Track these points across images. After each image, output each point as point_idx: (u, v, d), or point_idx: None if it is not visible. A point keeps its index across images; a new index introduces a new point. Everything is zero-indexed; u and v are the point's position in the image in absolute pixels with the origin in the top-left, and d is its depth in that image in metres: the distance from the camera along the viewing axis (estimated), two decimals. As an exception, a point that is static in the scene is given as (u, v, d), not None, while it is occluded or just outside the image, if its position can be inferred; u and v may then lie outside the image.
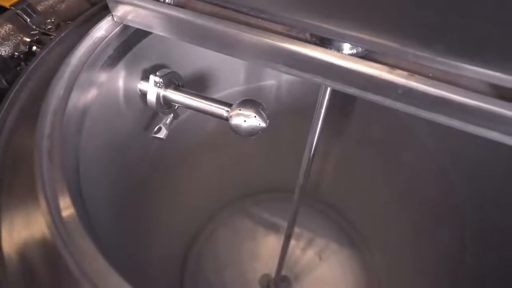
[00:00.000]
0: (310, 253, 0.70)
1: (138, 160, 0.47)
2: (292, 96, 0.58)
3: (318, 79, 0.30)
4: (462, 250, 0.47)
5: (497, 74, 0.25)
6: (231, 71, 0.53)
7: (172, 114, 0.43)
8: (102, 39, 0.34)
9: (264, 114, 0.37)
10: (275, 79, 0.56)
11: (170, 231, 0.63)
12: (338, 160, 0.67)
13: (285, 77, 0.56)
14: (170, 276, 0.67)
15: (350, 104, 0.58)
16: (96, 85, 0.34)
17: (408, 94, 0.27)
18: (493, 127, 0.26)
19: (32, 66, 0.34)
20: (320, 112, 0.39)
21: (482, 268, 0.43)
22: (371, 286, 0.66)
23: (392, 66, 0.28)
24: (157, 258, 0.60)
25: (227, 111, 0.38)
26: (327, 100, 0.38)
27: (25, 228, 0.27)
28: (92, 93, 0.33)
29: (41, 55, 0.33)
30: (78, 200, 0.30)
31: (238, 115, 0.37)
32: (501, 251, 0.42)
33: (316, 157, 0.66)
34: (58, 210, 0.27)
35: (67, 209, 0.27)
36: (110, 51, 0.34)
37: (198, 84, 0.50)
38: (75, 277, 0.24)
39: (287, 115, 0.60)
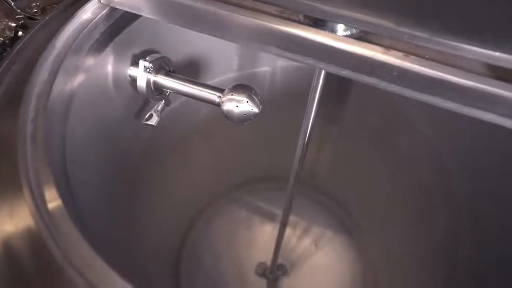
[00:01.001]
0: (306, 242, 0.70)
1: (130, 148, 0.46)
2: (287, 82, 0.57)
3: (311, 61, 0.29)
4: (458, 237, 0.47)
5: (496, 54, 0.24)
6: (224, 57, 0.52)
7: (163, 101, 0.42)
8: (88, 21, 0.33)
9: (256, 99, 0.36)
10: (269, 66, 0.55)
11: (165, 221, 0.63)
12: (334, 148, 0.67)
13: (280, 63, 0.55)
14: (165, 265, 0.67)
15: (345, 92, 0.58)
16: (83, 70, 0.33)
17: (403, 76, 0.26)
18: (489, 108, 0.25)
19: (16, 50, 0.33)
20: (314, 97, 0.38)
21: (479, 255, 0.43)
22: (366, 273, 0.66)
23: (387, 48, 0.27)
24: (152, 247, 0.60)
25: (219, 96, 0.37)
26: (321, 85, 0.37)
27: (10, 219, 0.27)
28: (79, 78, 0.32)
29: (26, 39, 0.32)
30: (65, 190, 0.30)
31: (230, 100, 0.36)
32: (498, 238, 0.42)
33: (311, 145, 0.66)
34: (43, 201, 0.26)
35: (53, 200, 0.27)
36: (96, 35, 0.33)
37: (190, 71, 0.49)
38: (61, 266, 0.24)
39: (282, 102, 0.59)
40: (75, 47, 0.31)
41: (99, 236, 0.40)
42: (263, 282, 0.66)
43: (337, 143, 0.65)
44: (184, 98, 0.52)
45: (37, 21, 0.34)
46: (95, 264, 0.24)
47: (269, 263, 0.64)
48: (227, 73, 0.54)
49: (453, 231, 0.47)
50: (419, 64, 0.26)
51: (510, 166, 0.42)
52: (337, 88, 0.57)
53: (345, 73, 0.28)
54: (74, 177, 0.32)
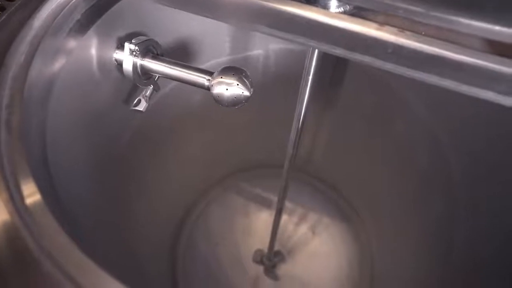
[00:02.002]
0: (303, 228, 0.70)
1: (118, 136, 0.45)
2: (281, 66, 0.55)
3: (302, 40, 0.28)
4: (455, 220, 0.46)
5: (496, 27, 0.23)
6: (215, 40, 0.51)
7: (152, 86, 0.41)
8: (68, 1, 0.31)
9: (247, 82, 0.35)
10: (262, 49, 0.54)
11: (159, 210, 0.62)
12: (329, 133, 0.65)
13: (272, 46, 0.54)
14: (161, 255, 0.66)
15: (340, 76, 0.56)
16: (63, 53, 0.31)
17: (398, 53, 0.25)
18: (488, 86, 0.24)
19: (-8, 32, 0.31)
20: (307, 79, 0.37)
21: (476, 236, 0.43)
22: (363, 257, 0.66)
23: (382, 24, 0.25)
24: (146, 238, 0.59)
25: (208, 80, 0.36)
26: (314, 67, 0.36)
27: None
28: (59, 61, 0.31)
29: (1, 20, 0.31)
30: (45, 183, 0.28)
31: (219, 83, 0.35)
32: (495, 220, 0.41)
33: (306, 131, 0.65)
34: (21, 196, 0.25)
35: (31, 195, 0.25)
36: (77, 16, 0.32)
37: (179, 55, 0.48)
38: (48, 269, 0.22)
39: (277, 86, 0.57)
40: (54, 28, 0.29)
41: (87, 229, 0.40)
42: (260, 269, 0.65)
43: (333, 128, 0.64)
44: (174, 83, 0.51)
45: (15, 1, 0.32)
46: (79, 261, 0.23)
47: (266, 250, 0.64)
48: (218, 57, 0.52)
49: (450, 214, 0.46)
50: (415, 40, 0.24)
51: (508, 147, 0.41)
52: (332, 72, 0.56)
53: (338, 51, 0.27)
54: (57, 168, 0.31)
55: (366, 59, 0.26)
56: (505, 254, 0.40)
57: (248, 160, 0.73)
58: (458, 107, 0.46)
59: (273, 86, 0.57)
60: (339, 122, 0.62)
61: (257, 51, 0.54)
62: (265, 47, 0.54)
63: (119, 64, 0.39)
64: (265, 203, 0.72)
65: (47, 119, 0.30)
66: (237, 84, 0.34)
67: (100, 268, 0.24)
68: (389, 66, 0.26)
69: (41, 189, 0.26)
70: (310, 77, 0.36)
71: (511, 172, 0.41)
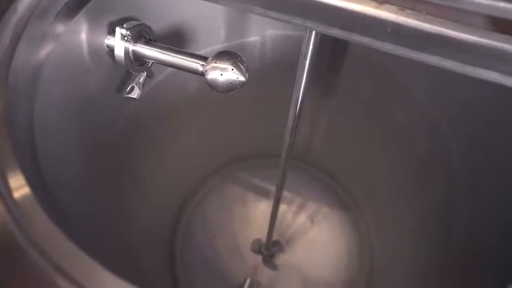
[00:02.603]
0: (302, 217, 0.69)
1: (112, 125, 0.44)
2: (278, 52, 0.54)
3: (298, 21, 0.27)
4: (454, 206, 0.46)
5: (500, 4, 0.22)
6: (210, 27, 0.50)
7: (145, 72, 0.40)
8: (54, -17, 0.30)
9: (242, 67, 0.34)
10: (259, 35, 0.53)
11: (155, 201, 0.61)
12: (327, 121, 0.65)
13: (269, 32, 0.52)
14: (159, 245, 0.66)
15: (338, 62, 0.55)
16: (51, 38, 0.30)
17: (398, 33, 0.24)
18: (492, 66, 0.23)
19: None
20: (304, 64, 0.36)
21: (475, 223, 0.42)
22: (362, 246, 0.65)
23: (381, 2, 0.24)
24: (143, 229, 0.59)
25: (202, 65, 0.35)
26: (311, 51, 0.35)
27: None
28: (46, 47, 0.30)
29: (-15, 3, 0.30)
30: (34, 175, 0.27)
31: (214, 68, 0.34)
32: (494, 205, 0.41)
33: (304, 119, 0.64)
34: (9, 190, 0.24)
35: (20, 188, 0.24)
36: (65, -1, 0.30)
37: (173, 42, 0.46)
38: (40, 265, 0.21)
39: (274, 73, 0.56)
40: (40, 12, 0.28)
41: (81, 222, 0.39)
42: (258, 259, 0.65)
43: (331, 115, 0.63)
44: (169, 70, 0.50)
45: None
46: (69, 251, 0.22)
47: (264, 239, 0.63)
48: (213, 44, 0.51)
49: (449, 200, 0.46)
50: (416, 19, 0.23)
51: (509, 133, 0.40)
52: (330, 59, 0.55)
53: (335, 32, 0.26)
54: (46, 158, 0.30)
55: (365, 40, 0.25)
56: (504, 241, 0.39)
57: (245, 149, 0.72)
58: (458, 92, 0.45)
59: (270, 73, 0.56)
60: (337, 109, 0.61)
61: (253, 38, 0.53)
62: (261, 33, 0.52)
63: (111, 50, 0.37)
64: (263, 193, 0.71)
65: (35, 108, 0.29)
66: (232, 69, 0.33)
67: (91, 257, 0.23)
68: (388, 47, 0.25)
69: (30, 181, 0.25)
70: (307, 62, 0.35)
71: (511, 158, 0.40)
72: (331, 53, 0.54)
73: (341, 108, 0.61)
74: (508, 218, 0.40)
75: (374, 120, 0.58)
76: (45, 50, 0.30)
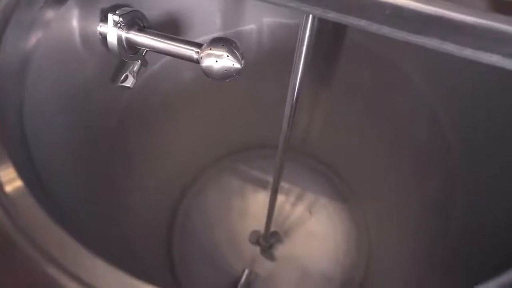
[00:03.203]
0: (300, 208, 0.69)
1: (106, 115, 0.43)
2: (275, 41, 0.53)
3: (293, 4, 0.26)
4: (453, 196, 0.45)
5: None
6: (205, 15, 0.49)
7: (139, 61, 0.39)
8: (43, -33, 0.29)
9: (238, 54, 0.33)
10: (255, 23, 0.52)
11: (152, 193, 0.61)
12: (325, 111, 0.64)
13: (266, 21, 0.52)
14: (156, 238, 0.65)
15: (337, 51, 0.54)
16: (40, 25, 0.29)
17: (396, 14, 0.23)
18: (494, 49, 0.22)
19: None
20: (301, 50, 0.35)
21: (474, 213, 0.42)
22: (361, 237, 0.65)
23: (379, -17, 0.24)
24: (141, 220, 0.58)
25: (197, 52, 0.34)
26: (308, 37, 0.34)
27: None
28: (35, 35, 0.29)
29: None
30: (26, 168, 0.27)
31: (209, 55, 0.33)
32: (493, 195, 0.40)
33: (302, 109, 0.63)
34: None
35: (11, 181, 0.24)
36: (54, -17, 0.30)
37: (167, 30, 0.45)
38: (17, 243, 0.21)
39: (271, 62, 0.56)
40: (28, -4, 0.27)
41: (77, 215, 0.38)
42: (257, 250, 0.65)
43: (329, 106, 0.63)
44: (164, 60, 0.49)
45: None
46: (59, 239, 0.22)
47: (262, 231, 0.63)
48: (209, 32, 0.50)
49: (448, 191, 0.45)
50: (415, 0, 0.23)
51: (509, 122, 0.40)
52: (328, 48, 0.54)
53: (332, 15, 0.25)
54: (39, 151, 0.29)
55: (362, 23, 0.25)
56: (504, 231, 0.39)
57: (243, 140, 0.72)
58: (459, 83, 0.44)
59: (267, 63, 0.55)
60: (336, 100, 0.60)
61: (249, 26, 0.52)
62: (258, 21, 0.51)
63: (104, 38, 0.37)
64: (261, 184, 0.71)
65: (25, 98, 0.29)
66: (227, 56, 0.33)
67: (82, 245, 0.23)
68: (386, 30, 0.24)
69: (22, 174, 0.24)
70: (304, 48, 0.35)
71: (511, 147, 0.40)
72: (330, 42, 0.53)
73: (340, 98, 0.60)
74: (508, 208, 0.39)
75: (373, 111, 0.58)
76: (34, 37, 0.29)
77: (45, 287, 0.21)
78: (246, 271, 0.59)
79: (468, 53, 0.23)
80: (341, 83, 0.58)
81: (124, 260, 0.51)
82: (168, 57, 0.49)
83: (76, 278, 0.21)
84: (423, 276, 0.50)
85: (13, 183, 0.24)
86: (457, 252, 0.43)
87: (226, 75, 0.33)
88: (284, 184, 0.70)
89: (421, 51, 0.45)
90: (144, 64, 0.40)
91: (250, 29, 0.52)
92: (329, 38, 0.53)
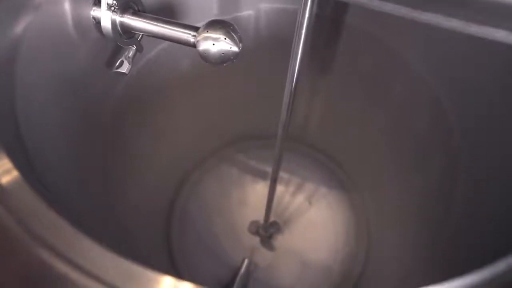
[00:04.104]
0: (300, 198, 0.69)
1: (101, 103, 0.42)
2: (273, 27, 0.52)
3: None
4: (454, 183, 0.45)
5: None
6: (202, 0, 0.48)
7: (134, 46, 0.38)
8: None
9: (235, 37, 0.32)
10: (253, 9, 0.51)
11: (150, 183, 0.60)
12: (325, 100, 0.63)
13: (264, 6, 0.51)
14: (155, 229, 0.65)
15: (336, 37, 0.53)
16: (29, 8, 0.28)
17: (400, -10, 0.22)
18: (500, 24, 0.22)
19: None
20: (300, 34, 0.34)
21: (475, 200, 0.41)
22: (360, 226, 0.65)
23: (381, -42, 0.23)
24: (139, 211, 0.58)
25: (194, 35, 0.33)
26: (307, 19, 0.33)
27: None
28: (24, 19, 0.28)
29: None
30: (21, 157, 0.26)
31: (205, 38, 0.32)
32: (494, 181, 0.40)
33: (301, 99, 0.62)
34: None
35: (7, 172, 0.23)
36: (44, -37, 0.29)
37: (162, 16, 0.45)
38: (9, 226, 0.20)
39: (269, 49, 0.55)
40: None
41: (73, 204, 0.38)
42: (256, 240, 0.64)
43: (329, 94, 0.62)
44: (160, 46, 0.48)
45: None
46: (51, 222, 0.21)
47: (262, 221, 0.63)
48: (206, 18, 0.48)
49: (449, 177, 0.45)
50: (419, -26, 0.22)
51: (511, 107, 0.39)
52: (328, 34, 0.53)
53: (333, -8, 0.24)
54: (33, 140, 0.29)
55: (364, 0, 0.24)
56: (506, 216, 0.38)
57: (242, 131, 0.71)
58: (460, 67, 0.43)
59: (265, 49, 0.54)
60: (335, 87, 0.59)
61: (247, 12, 0.51)
62: (255, 6, 0.50)
63: (98, 22, 0.36)
64: (260, 174, 0.70)
65: (16, 85, 0.28)
66: (225, 38, 0.32)
67: (82, 233, 0.22)
68: (388, 7, 0.24)
69: (17, 164, 0.24)
70: (303, 32, 0.34)
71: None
72: (328, 28, 0.52)
73: (339, 86, 0.59)
74: (510, 194, 0.39)
75: (373, 98, 0.57)
76: (23, 22, 0.28)
77: (45, 276, 0.21)
78: (246, 261, 0.59)
79: (474, 29, 0.22)
80: (340, 71, 0.57)
81: (123, 250, 0.50)
82: (164, 44, 0.48)
83: (76, 265, 0.21)
84: (423, 266, 0.49)
85: (9, 174, 0.23)
86: (458, 240, 0.43)
87: (224, 59, 0.32)
88: (283, 174, 0.69)
89: (421, 35, 0.44)
90: (140, 49, 0.39)
91: (247, 15, 0.51)
92: (328, 24, 0.52)
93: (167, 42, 0.47)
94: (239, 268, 0.59)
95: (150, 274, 0.21)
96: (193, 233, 0.65)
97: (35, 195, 0.23)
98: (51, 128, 0.35)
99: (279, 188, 0.68)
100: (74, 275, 0.21)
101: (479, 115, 0.43)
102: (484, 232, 0.41)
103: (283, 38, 0.53)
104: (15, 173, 0.23)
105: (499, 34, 0.22)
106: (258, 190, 0.69)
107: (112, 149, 0.48)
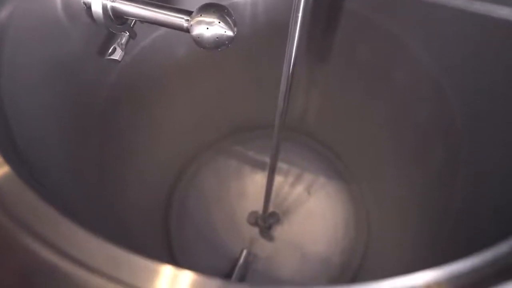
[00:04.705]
0: (299, 189, 0.68)
1: (94, 92, 0.42)
2: (269, 13, 0.51)
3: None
4: (454, 174, 0.44)
5: None
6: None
7: (127, 33, 0.37)
8: None
9: (230, 21, 0.31)
10: (250, -6, 0.49)
11: (148, 175, 0.60)
12: (323, 90, 0.62)
13: (261, -8, 0.49)
14: (154, 220, 0.64)
15: (334, 25, 0.52)
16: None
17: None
18: (503, 1, 0.21)
19: None
20: (296, 17, 0.33)
21: (476, 187, 0.41)
22: (359, 217, 0.64)
23: None
24: (137, 203, 0.57)
25: (187, 20, 0.32)
26: (304, 2, 0.32)
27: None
28: (10, 3, 0.27)
29: None
30: (11, 151, 0.25)
31: (199, 23, 0.31)
32: (495, 167, 0.39)
33: (299, 88, 0.61)
34: None
35: None
36: None
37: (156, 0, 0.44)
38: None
39: (267, 37, 0.54)
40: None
41: (68, 197, 0.37)
42: (255, 231, 0.64)
43: (327, 83, 0.61)
44: (156, 33, 0.47)
45: None
46: (36, 209, 0.20)
47: (261, 211, 0.62)
48: (201, 3, 0.48)
49: (450, 164, 0.44)
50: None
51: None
52: (325, 22, 0.52)
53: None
54: (23, 132, 0.28)
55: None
56: (507, 202, 0.38)
57: (240, 121, 0.70)
58: (461, 53, 0.42)
59: (262, 36, 0.53)
60: (333, 76, 0.58)
61: (244, -2, 0.50)
62: (252, -8, 0.49)
63: (89, 8, 0.35)
64: (259, 165, 0.70)
65: (2, 75, 0.27)
66: (219, 22, 0.31)
67: (70, 220, 0.22)
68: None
69: (8, 159, 0.23)
70: (300, 15, 0.33)
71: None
72: (326, 15, 0.51)
73: (338, 76, 0.58)
74: (509, 184, 0.38)
75: (373, 88, 0.56)
76: (9, 7, 0.27)
77: (44, 271, 0.20)
78: (245, 252, 0.59)
79: (477, 6, 0.21)
80: (339, 61, 0.56)
81: (121, 242, 0.50)
82: (159, 32, 0.47)
83: (73, 258, 0.21)
84: (424, 255, 0.49)
85: (0, 169, 0.23)
86: (459, 231, 0.42)
87: (218, 43, 0.31)
88: (282, 165, 0.69)
89: (421, 19, 0.43)
90: (133, 36, 0.38)
91: (244, 1, 0.50)
92: (326, 11, 0.50)
93: (162, 29, 0.46)
94: (238, 259, 0.59)
95: (150, 264, 0.21)
96: (191, 225, 0.65)
97: (28, 190, 0.22)
98: (41, 116, 0.34)
99: (278, 179, 0.68)
100: (71, 268, 0.21)
101: (480, 104, 0.42)
102: (485, 223, 0.40)
103: (280, 24, 0.51)
104: (6, 168, 0.23)
105: (503, 11, 0.21)
106: (256, 181, 0.68)
107: (107, 139, 0.47)
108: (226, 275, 0.59)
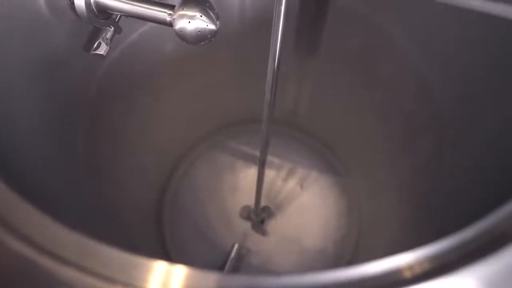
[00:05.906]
0: (291, 183, 0.68)
1: (84, 88, 0.42)
2: (258, 8, 0.51)
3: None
4: (440, 163, 0.45)
5: None
6: (183, -20, 0.46)
7: (112, 27, 0.38)
8: None
9: (212, 14, 0.32)
10: (237, -10, 0.50)
11: (141, 171, 0.60)
12: (313, 83, 0.62)
13: (248, -14, 0.50)
14: (146, 215, 0.65)
15: (322, 18, 0.52)
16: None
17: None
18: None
19: None
20: (279, 10, 0.33)
21: (462, 174, 0.41)
22: (351, 209, 0.65)
23: None
24: (129, 197, 0.58)
25: (170, 14, 0.32)
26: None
27: None
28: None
29: None
30: None
31: (181, 16, 0.31)
32: (482, 157, 0.40)
33: (289, 82, 0.62)
34: None
35: None
36: None
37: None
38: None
39: (255, 33, 0.53)
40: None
41: (58, 193, 0.37)
42: (248, 225, 0.64)
43: (317, 77, 0.61)
44: (142, 29, 0.47)
45: None
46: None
47: (253, 206, 0.62)
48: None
49: (435, 152, 0.44)
50: None
51: (500, 76, 0.39)
52: (312, 15, 0.52)
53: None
54: (5, 133, 0.28)
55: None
56: (492, 190, 0.38)
57: (233, 116, 0.70)
58: (448, 45, 0.43)
59: (251, 33, 0.53)
60: (323, 70, 0.59)
61: (231, -7, 0.50)
62: (239, -13, 0.49)
63: (72, 2, 0.35)
64: (252, 160, 0.70)
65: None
66: (201, 16, 0.31)
67: (57, 222, 0.22)
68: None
69: None
70: (283, 8, 0.33)
71: (499, 110, 0.39)
72: (314, 8, 0.51)
73: (327, 68, 0.58)
74: (494, 169, 0.39)
75: (362, 79, 0.56)
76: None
77: (28, 271, 0.20)
78: (236, 246, 0.59)
79: (473, 3, 0.21)
80: (328, 54, 0.56)
81: (114, 236, 0.50)
82: (146, 26, 0.47)
83: (64, 260, 0.20)
84: (414, 240, 0.49)
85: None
86: (446, 214, 0.43)
87: (200, 37, 0.32)
88: (274, 159, 0.69)
89: (406, 11, 0.44)
90: (118, 31, 0.38)
91: (231, -3, 0.50)
92: (313, 4, 0.51)
93: (150, 24, 0.46)
94: (229, 253, 0.59)
95: (143, 261, 0.21)
96: (184, 218, 0.65)
97: (10, 191, 0.22)
98: (25, 117, 0.34)
99: (271, 173, 0.68)
100: (59, 267, 0.20)
101: (466, 86, 0.42)
102: (471, 212, 0.40)
103: (269, 18, 0.52)
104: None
105: (497, 9, 0.21)
106: (250, 175, 0.69)
107: (97, 136, 0.47)
108: (219, 269, 0.60)
